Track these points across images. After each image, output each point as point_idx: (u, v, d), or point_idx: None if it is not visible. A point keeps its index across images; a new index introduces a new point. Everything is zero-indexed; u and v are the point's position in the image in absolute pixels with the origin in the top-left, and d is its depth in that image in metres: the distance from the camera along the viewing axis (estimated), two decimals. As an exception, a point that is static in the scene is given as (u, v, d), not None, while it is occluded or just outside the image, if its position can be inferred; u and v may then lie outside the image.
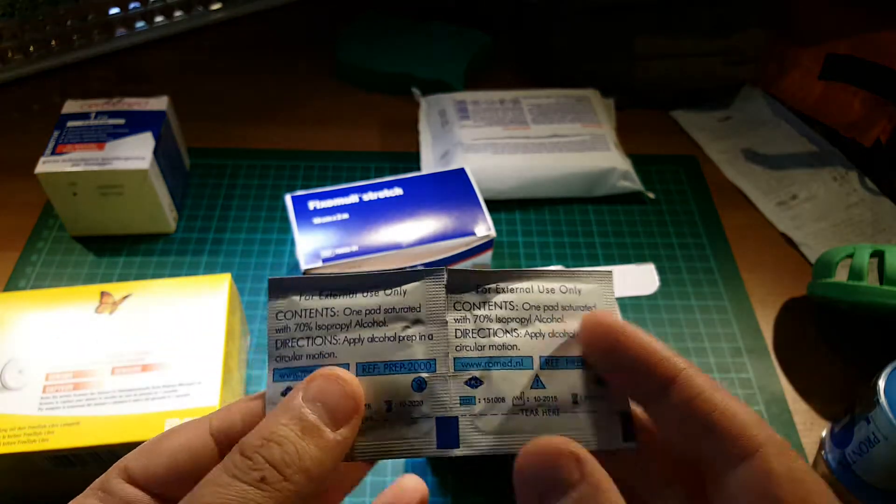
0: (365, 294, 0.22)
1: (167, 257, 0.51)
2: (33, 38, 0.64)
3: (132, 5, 0.68)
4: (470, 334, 0.21)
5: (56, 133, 0.49)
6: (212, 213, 0.55)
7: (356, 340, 0.21)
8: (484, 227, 0.45)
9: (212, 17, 0.72)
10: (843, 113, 0.63)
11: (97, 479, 0.19)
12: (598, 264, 0.53)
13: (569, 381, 0.21)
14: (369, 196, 0.46)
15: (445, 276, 0.21)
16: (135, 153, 0.48)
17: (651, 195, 0.58)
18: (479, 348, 0.21)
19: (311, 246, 0.43)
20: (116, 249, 0.52)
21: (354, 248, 0.43)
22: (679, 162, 0.62)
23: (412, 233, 0.44)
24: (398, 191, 0.47)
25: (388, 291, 0.22)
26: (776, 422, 0.44)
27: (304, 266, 0.42)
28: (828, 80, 0.61)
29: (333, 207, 0.45)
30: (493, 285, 0.22)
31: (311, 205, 0.46)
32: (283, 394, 0.20)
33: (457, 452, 0.20)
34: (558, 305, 0.22)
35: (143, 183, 0.48)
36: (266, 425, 0.18)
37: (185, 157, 0.57)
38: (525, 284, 0.22)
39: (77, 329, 0.38)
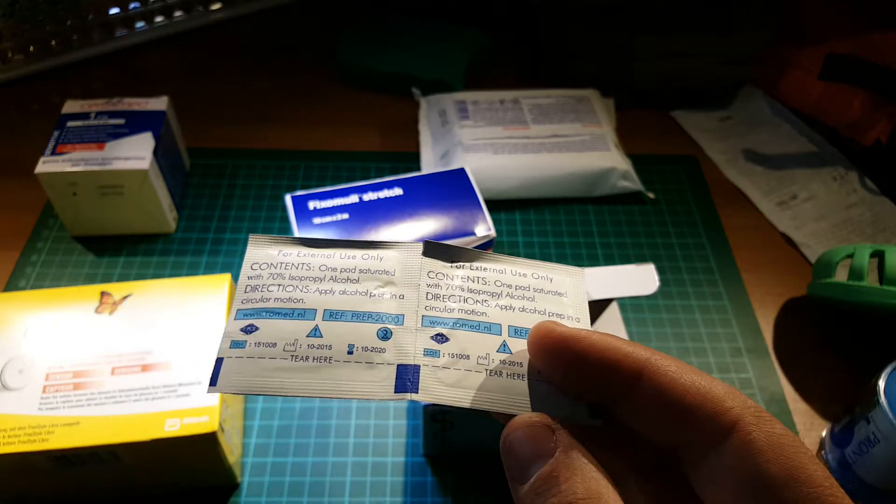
0: (342, 256, 0.22)
1: (167, 257, 0.51)
2: (33, 38, 0.64)
3: (132, 5, 0.68)
4: (441, 298, 0.22)
5: (56, 133, 0.49)
6: (212, 213, 0.55)
7: (327, 291, 0.21)
8: (484, 227, 0.45)
9: (212, 17, 0.72)
10: (843, 113, 0.63)
11: None
12: (598, 264, 0.53)
13: None
14: (369, 196, 0.46)
15: (422, 247, 0.22)
16: (135, 153, 0.48)
17: (651, 195, 0.58)
18: (449, 310, 0.22)
19: (311, 246, 0.43)
20: (116, 249, 0.52)
21: (354, 248, 0.43)
22: (679, 162, 0.62)
23: (412, 233, 0.44)
24: (398, 191, 0.47)
25: (366, 255, 0.22)
26: (776, 422, 0.44)
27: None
28: (828, 80, 0.61)
29: (333, 207, 0.45)
30: (468, 262, 0.22)
31: (311, 205, 0.46)
32: (243, 330, 0.21)
33: (413, 397, 0.20)
34: (530, 287, 0.22)
35: (143, 183, 0.48)
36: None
37: (185, 157, 0.57)
38: (499, 266, 0.23)
39: (77, 329, 0.38)
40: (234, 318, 0.21)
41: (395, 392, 0.20)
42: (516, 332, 0.22)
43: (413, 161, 0.60)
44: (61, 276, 0.50)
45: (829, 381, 0.47)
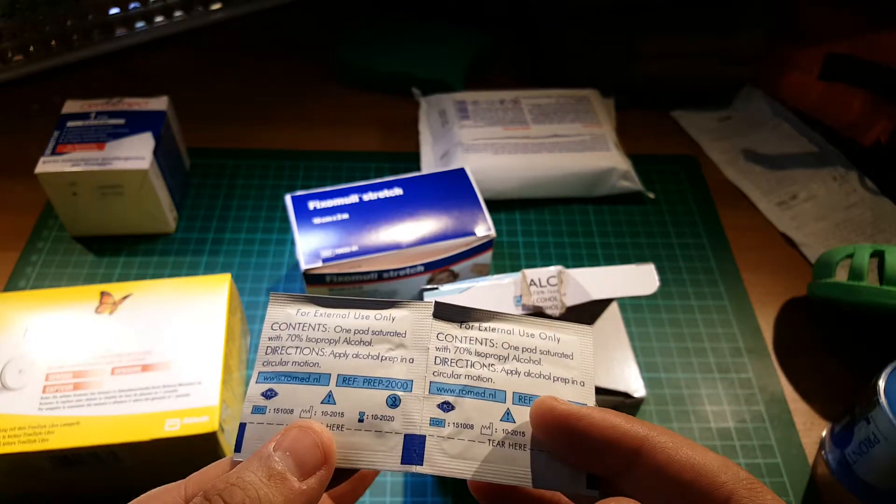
0: (356, 316, 0.23)
1: (167, 257, 0.51)
2: (33, 38, 0.64)
3: (132, 5, 0.68)
4: (448, 362, 0.22)
5: (56, 133, 0.49)
6: (212, 213, 0.55)
7: (341, 355, 0.22)
8: (484, 227, 0.45)
9: (212, 17, 0.72)
10: (843, 113, 0.63)
11: None
12: (598, 264, 0.53)
13: None
14: (369, 196, 0.46)
15: (433, 307, 0.23)
16: (135, 153, 0.48)
17: (651, 195, 0.58)
18: (456, 376, 0.22)
19: (311, 246, 0.43)
20: (116, 249, 0.52)
21: (354, 248, 0.43)
22: (679, 162, 0.62)
23: (412, 233, 0.44)
24: (398, 191, 0.47)
25: (378, 316, 0.23)
26: (776, 422, 0.44)
27: (304, 266, 0.42)
28: (828, 80, 0.61)
29: (333, 207, 0.45)
30: (477, 323, 0.23)
31: (311, 205, 0.46)
32: (263, 394, 0.22)
33: (419, 469, 0.21)
34: (536, 349, 0.23)
35: (143, 183, 0.48)
36: (235, 471, 0.18)
37: (185, 157, 0.57)
38: (507, 326, 0.23)
39: (77, 329, 0.38)
40: (256, 382, 0.22)
41: (402, 463, 0.21)
42: (520, 398, 0.22)
43: (413, 161, 0.60)
44: (61, 276, 0.50)
45: (829, 381, 0.47)
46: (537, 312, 0.36)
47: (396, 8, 0.74)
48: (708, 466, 0.19)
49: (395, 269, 0.43)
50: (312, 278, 0.43)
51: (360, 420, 0.21)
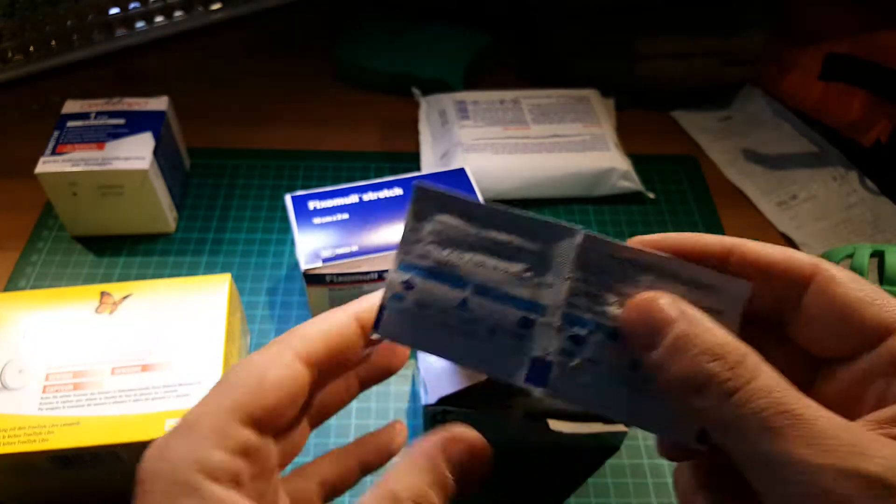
0: (502, 227, 0.22)
1: (167, 257, 0.51)
2: (33, 38, 0.64)
3: (132, 5, 0.68)
4: (586, 297, 0.22)
5: (56, 133, 0.49)
6: (212, 213, 0.55)
7: (480, 264, 0.22)
8: (484, 227, 0.45)
9: (212, 17, 0.72)
10: (843, 113, 0.63)
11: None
12: (598, 264, 0.53)
13: None
14: (369, 196, 0.46)
15: (582, 237, 0.22)
16: (135, 153, 0.48)
17: (651, 195, 0.58)
18: (592, 312, 0.22)
19: (311, 246, 0.43)
20: (116, 249, 0.52)
21: (354, 248, 0.43)
22: (679, 162, 0.62)
23: (412, 233, 0.44)
24: (398, 191, 0.47)
25: (525, 233, 0.22)
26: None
27: (304, 266, 0.42)
28: (828, 81, 0.61)
29: (333, 207, 0.45)
30: (628, 259, 0.22)
31: (311, 205, 0.46)
32: (403, 283, 0.22)
33: (539, 392, 0.21)
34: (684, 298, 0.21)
35: (143, 183, 0.48)
36: (414, 482, 0.20)
37: (185, 157, 0.57)
38: (658, 267, 0.22)
39: (77, 329, 0.38)
40: (397, 269, 0.23)
41: (524, 382, 0.22)
42: None
43: (413, 161, 0.60)
44: (61, 276, 0.50)
45: (829, 381, 0.47)
46: None
47: (396, 8, 0.74)
48: (791, 255, 0.21)
49: (395, 269, 0.43)
50: (312, 278, 0.43)
51: (492, 332, 0.22)
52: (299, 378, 0.22)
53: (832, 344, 0.21)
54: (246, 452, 0.21)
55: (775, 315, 0.22)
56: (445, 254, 0.22)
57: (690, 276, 0.21)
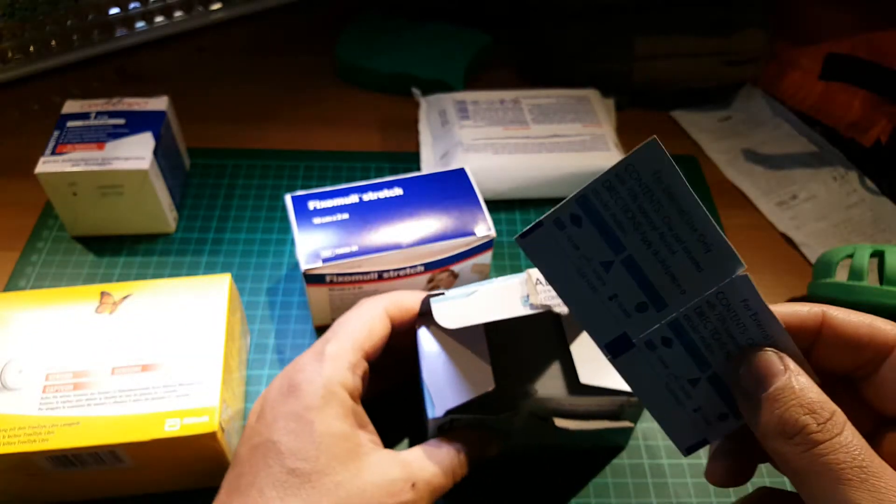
0: (688, 224, 0.24)
1: (167, 257, 0.51)
2: (33, 38, 0.64)
3: (132, 5, 0.68)
4: (703, 317, 0.24)
5: (56, 133, 0.49)
6: (212, 213, 0.55)
7: (646, 242, 0.23)
8: (484, 227, 0.45)
9: (212, 17, 0.72)
10: (843, 113, 0.63)
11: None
12: (598, 264, 0.53)
13: (712, 403, 0.25)
14: (369, 196, 0.46)
15: (740, 274, 0.24)
16: (135, 153, 0.48)
17: (651, 195, 0.58)
18: (696, 331, 0.24)
19: (311, 246, 0.43)
20: (116, 249, 0.52)
21: (354, 248, 0.43)
22: (679, 162, 0.62)
23: (412, 233, 0.44)
24: (398, 191, 0.47)
25: (699, 237, 0.24)
26: (776, 422, 0.44)
27: (304, 266, 0.42)
28: (828, 80, 0.61)
29: (333, 207, 0.45)
30: (755, 314, 0.24)
31: (311, 205, 0.46)
32: (572, 216, 0.24)
33: (608, 359, 0.25)
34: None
35: (143, 183, 0.48)
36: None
37: (185, 157, 0.57)
38: (772, 335, 0.24)
39: (77, 329, 0.38)
40: (576, 202, 0.24)
41: (604, 346, 0.25)
42: (710, 380, 0.25)
43: (413, 161, 0.60)
44: (61, 276, 0.50)
45: (829, 381, 0.47)
46: (546, 311, 0.36)
47: (396, 8, 0.74)
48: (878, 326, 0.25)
49: (395, 269, 0.43)
50: (312, 278, 0.43)
51: (609, 299, 0.24)
52: (388, 328, 0.35)
53: None
54: (364, 377, 0.34)
55: (854, 374, 0.26)
56: (627, 216, 0.23)
57: (792, 353, 0.24)
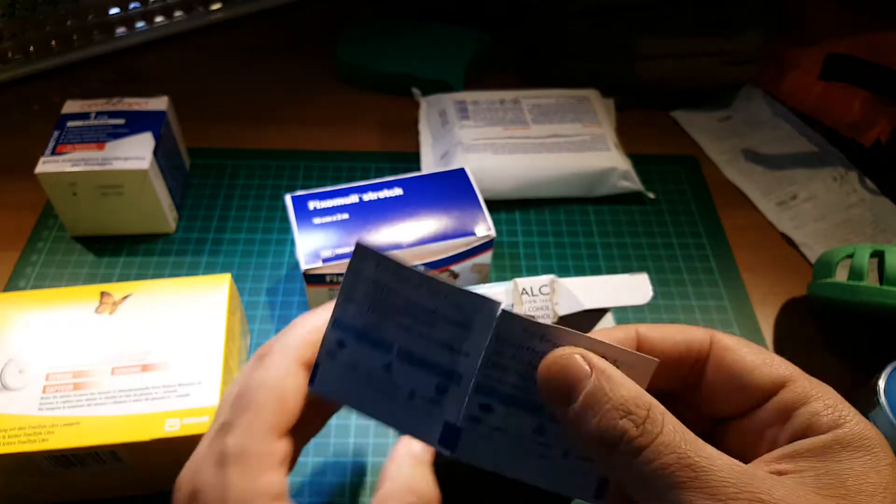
0: (428, 293, 0.23)
1: (167, 257, 0.51)
2: (33, 38, 0.64)
3: (132, 5, 0.68)
4: (499, 367, 0.23)
5: (56, 133, 0.49)
6: (212, 213, 0.55)
7: (406, 328, 0.23)
8: (484, 227, 0.45)
9: (212, 17, 0.72)
10: (843, 113, 0.63)
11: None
12: (599, 264, 0.53)
13: (568, 439, 0.23)
14: (369, 196, 0.46)
15: (500, 310, 0.22)
16: (135, 153, 0.48)
17: (651, 195, 0.58)
18: (503, 382, 0.23)
19: (311, 246, 0.43)
20: (116, 249, 0.52)
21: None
22: (679, 162, 0.62)
23: (412, 233, 0.44)
24: (398, 191, 0.47)
25: (448, 299, 0.23)
26: (776, 422, 0.44)
27: (304, 266, 0.42)
28: (828, 81, 0.61)
29: (333, 207, 0.45)
30: (538, 333, 0.22)
31: (311, 205, 0.46)
32: (337, 342, 0.24)
33: (449, 455, 0.23)
34: None
35: (143, 183, 0.48)
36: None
37: (185, 157, 0.57)
38: (570, 342, 0.23)
39: (77, 329, 0.38)
40: (332, 328, 0.24)
41: (437, 444, 0.23)
42: (554, 416, 0.23)
43: (413, 161, 0.60)
44: (61, 276, 0.50)
45: (829, 381, 0.47)
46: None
47: (396, 8, 0.74)
48: (770, 360, 0.23)
49: (395, 269, 0.43)
50: (312, 278, 0.43)
51: (410, 397, 0.23)
52: (304, 385, 0.25)
53: (730, 406, 0.24)
54: (285, 461, 0.24)
55: (680, 388, 0.25)
56: (377, 314, 0.23)
57: (602, 353, 0.22)
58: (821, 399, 0.22)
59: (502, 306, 0.22)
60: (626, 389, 0.20)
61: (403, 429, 0.23)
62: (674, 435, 0.19)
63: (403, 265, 0.23)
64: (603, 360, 0.21)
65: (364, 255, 0.23)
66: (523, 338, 0.22)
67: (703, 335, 0.24)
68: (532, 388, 0.23)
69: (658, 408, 0.20)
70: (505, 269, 0.52)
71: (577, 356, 0.21)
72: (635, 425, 0.19)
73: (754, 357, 0.23)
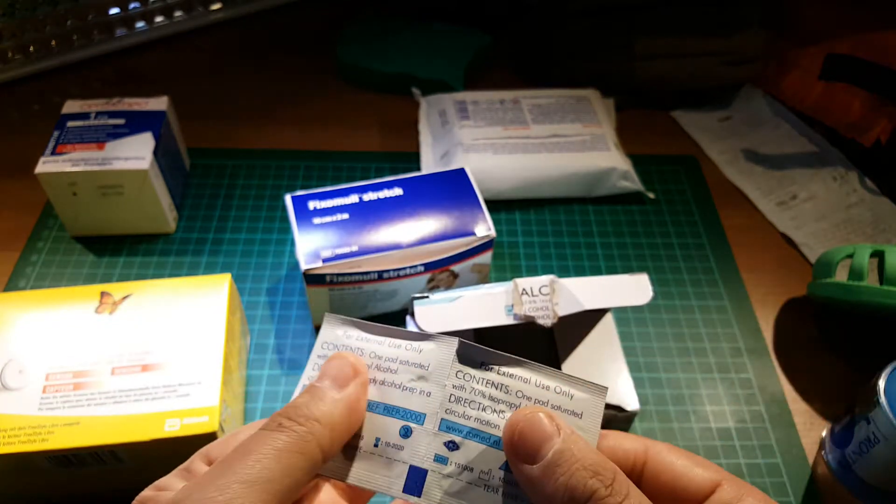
0: (390, 345, 0.24)
1: (167, 257, 0.51)
2: (33, 38, 0.64)
3: (132, 5, 0.68)
4: (462, 402, 0.23)
5: (56, 133, 0.49)
6: (212, 213, 0.55)
7: (371, 381, 0.24)
8: (484, 227, 0.45)
9: (212, 17, 0.72)
10: (843, 113, 0.63)
11: (182, 464, 0.24)
12: (599, 264, 0.53)
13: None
14: (369, 196, 0.46)
15: (457, 345, 0.23)
16: (135, 153, 0.48)
17: (651, 195, 0.58)
18: (466, 417, 0.23)
19: (311, 246, 0.43)
20: (116, 249, 0.52)
21: (354, 248, 0.43)
22: (679, 162, 0.62)
23: (412, 233, 0.44)
24: (398, 191, 0.47)
25: (408, 346, 0.24)
26: (776, 422, 0.44)
27: (304, 266, 0.42)
28: (828, 80, 0.61)
29: (333, 207, 0.45)
30: (497, 367, 0.23)
31: (311, 205, 0.46)
32: None
33: (417, 501, 0.22)
34: (549, 403, 0.23)
35: (143, 183, 0.48)
36: (292, 400, 0.23)
37: (185, 157, 0.57)
38: (525, 374, 0.23)
39: (77, 329, 0.38)
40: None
41: (403, 491, 0.22)
42: None
43: (413, 161, 0.60)
44: (61, 276, 0.50)
45: (829, 381, 0.47)
46: (529, 322, 0.36)
47: (396, 8, 0.74)
48: (700, 463, 0.23)
49: (395, 269, 0.43)
50: (312, 278, 0.43)
51: (375, 445, 0.23)
52: None
53: None
54: None
55: None
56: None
57: (557, 384, 0.23)
58: (750, 497, 0.22)
59: (458, 339, 0.23)
60: (593, 453, 0.21)
61: (367, 484, 0.23)
62: (641, 499, 0.20)
63: (365, 325, 0.24)
64: (567, 424, 0.22)
65: (332, 324, 0.25)
66: (482, 369, 0.23)
67: (638, 446, 0.23)
68: (494, 422, 0.23)
69: (620, 472, 0.20)
70: (505, 269, 0.52)
71: (543, 415, 0.21)
72: (604, 485, 0.20)
73: (684, 461, 0.23)
